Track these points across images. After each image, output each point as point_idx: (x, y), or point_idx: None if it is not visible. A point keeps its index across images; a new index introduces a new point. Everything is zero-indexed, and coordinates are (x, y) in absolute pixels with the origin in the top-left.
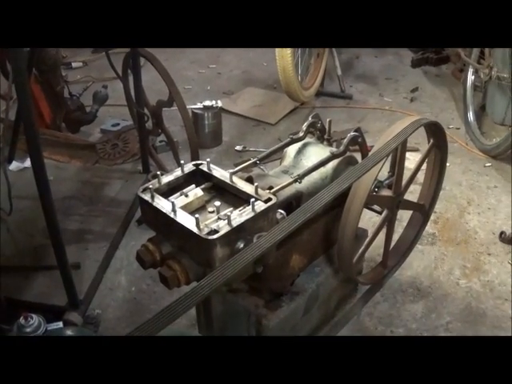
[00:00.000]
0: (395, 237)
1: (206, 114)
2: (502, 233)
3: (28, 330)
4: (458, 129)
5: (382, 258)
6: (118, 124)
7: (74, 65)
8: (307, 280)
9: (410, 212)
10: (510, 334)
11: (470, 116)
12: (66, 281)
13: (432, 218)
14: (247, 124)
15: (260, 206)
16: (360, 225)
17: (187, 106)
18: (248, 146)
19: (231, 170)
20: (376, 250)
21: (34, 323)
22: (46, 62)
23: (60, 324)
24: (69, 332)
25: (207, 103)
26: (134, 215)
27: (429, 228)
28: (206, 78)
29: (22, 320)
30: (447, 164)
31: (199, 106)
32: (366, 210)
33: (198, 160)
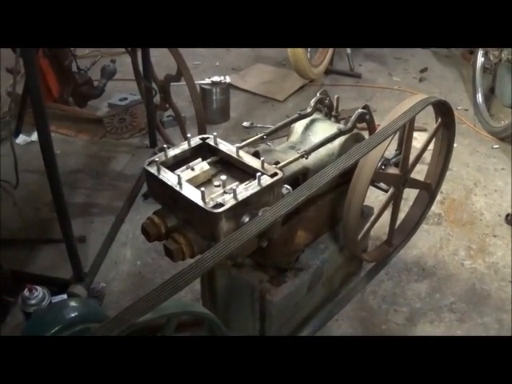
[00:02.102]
0: (401, 216)
1: (214, 90)
2: (508, 215)
3: (32, 301)
4: (467, 110)
5: (388, 237)
6: (126, 98)
7: None
8: (312, 256)
9: (417, 191)
10: None
11: (479, 98)
12: (71, 254)
13: (438, 198)
14: (255, 100)
15: (266, 180)
16: (367, 203)
17: (196, 82)
18: (256, 122)
19: (238, 145)
20: (382, 228)
21: (38, 295)
22: None
23: (64, 296)
24: (72, 303)
25: (216, 79)
26: (140, 189)
27: (435, 208)
28: (214, 53)
29: (26, 292)
30: (455, 145)
31: (207, 81)
32: (372, 189)
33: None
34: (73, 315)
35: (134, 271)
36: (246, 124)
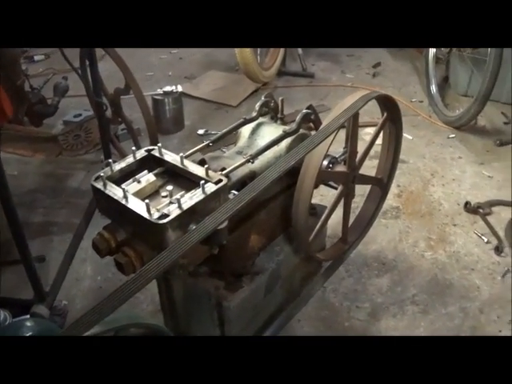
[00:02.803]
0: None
1: (166, 100)
2: (466, 203)
3: None
4: (421, 102)
5: (342, 234)
6: (80, 114)
7: (36, 58)
8: (267, 259)
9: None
10: (477, 304)
11: (433, 88)
12: (31, 274)
13: (396, 191)
14: (209, 107)
15: (210, 187)
16: (324, 202)
17: (149, 93)
18: (210, 129)
19: (182, 154)
20: (340, 226)
21: None
22: (6, 57)
23: (27, 317)
24: (27, 323)
25: (167, 89)
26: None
27: (392, 202)
28: (167, 63)
29: None
30: (410, 137)
31: (159, 91)
32: (329, 188)
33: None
34: (27, 335)
35: (95, 286)
36: (200, 132)
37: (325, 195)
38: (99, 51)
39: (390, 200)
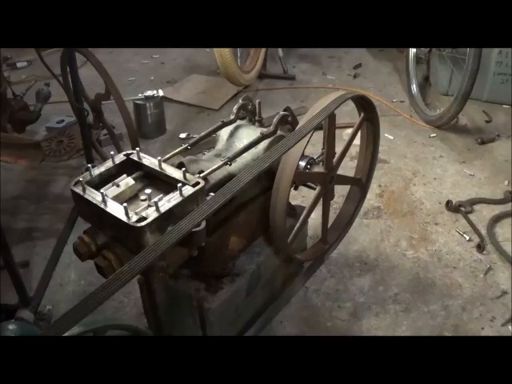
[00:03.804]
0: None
1: (147, 105)
2: (448, 201)
3: None
4: (402, 102)
5: (321, 234)
6: (63, 120)
7: (18, 65)
8: (247, 261)
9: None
10: (459, 302)
11: (414, 88)
12: (15, 279)
13: (377, 191)
14: (191, 111)
15: (188, 190)
16: (304, 203)
17: (130, 98)
18: (192, 133)
19: (160, 158)
20: (321, 226)
21: None
22: None
23: (11, 321)
24: (10, 327)
25: (148, 93)
26: None
27: (374, 202)
28: (149, 68)
29: None
30: (391, 137)
31: (140, 96)
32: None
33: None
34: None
35: (79, 291)
36: (182, 136)
37: (306, 196)
38: (80, 57)
39: (372, 200)
